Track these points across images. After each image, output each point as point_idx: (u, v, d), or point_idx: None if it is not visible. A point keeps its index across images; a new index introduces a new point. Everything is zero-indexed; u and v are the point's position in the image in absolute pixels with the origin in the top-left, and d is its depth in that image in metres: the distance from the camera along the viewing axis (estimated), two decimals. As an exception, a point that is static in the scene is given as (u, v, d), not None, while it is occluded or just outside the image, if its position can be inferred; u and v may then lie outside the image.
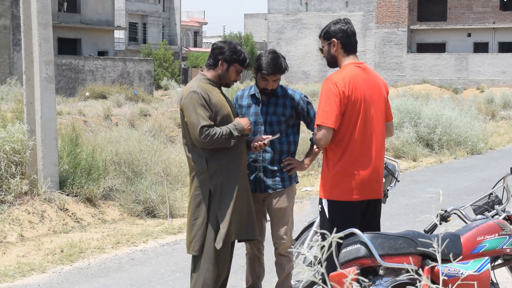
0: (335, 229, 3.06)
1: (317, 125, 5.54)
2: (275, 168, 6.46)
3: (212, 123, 5.90)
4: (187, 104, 5.94)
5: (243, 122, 6.08)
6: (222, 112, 6.02)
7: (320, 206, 5.74)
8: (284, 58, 6.51)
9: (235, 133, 5.95)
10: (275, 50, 6.55)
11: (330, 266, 5.10)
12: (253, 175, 6.45)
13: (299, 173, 14.83)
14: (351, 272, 4.81)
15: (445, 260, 4.91)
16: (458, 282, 4.61)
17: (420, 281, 4.58)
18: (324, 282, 4.55)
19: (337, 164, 5.60)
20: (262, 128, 6.42)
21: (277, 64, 6.34)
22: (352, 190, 5.57)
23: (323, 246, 2.64)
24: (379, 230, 5.85)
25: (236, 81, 6.31)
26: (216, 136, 5.84)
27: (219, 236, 5.98)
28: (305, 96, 6.64)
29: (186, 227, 6.22)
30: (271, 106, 6.49)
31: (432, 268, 4.86)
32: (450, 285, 3.18)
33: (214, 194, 5.99)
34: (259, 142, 6.15)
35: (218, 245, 5.97)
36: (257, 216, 6.46)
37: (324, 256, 2.59)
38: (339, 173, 5.59)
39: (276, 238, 6.59)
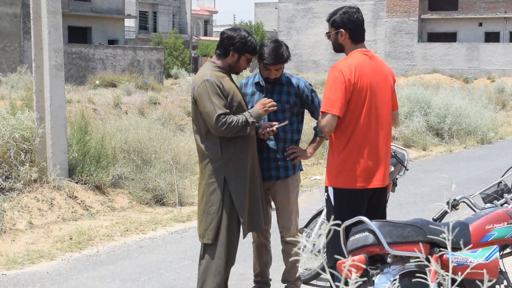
0: (332, 217, 3.04)
1: (322, 112, 5.52)
2: (279, 156, 6.44)
3: (228, 111, 5.87)
4: (201, 93, 5.90)
5: (258, 107, 6.05)
6: (236, 99, 6.00)
7: (326, 194, 5.73)
8: (287, 47, 6.46)
9: (251, 119, 5.92)
10: (278, 39, 6.50)
11: (338, 253, 5.09)
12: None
13: (307, 162, 14.88)
14: (349, 260, 4.79)
15: (454, 248, 4.90)
16: (468, 270, 4.59)
17: (429, 269, 4.57)
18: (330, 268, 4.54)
19: (342, 151, 5.58)
20: (266, 116, 6.37)
21: (279, 54, 6.29)
22: (358, 177, 5.55)
23: (325, 233, 2.63)
24: (385, 218, 5.84)
25: (245, 68, 6.29)
26: (233, 124, 5.81)
27: (242, 226, 6.03)
28: (310, 84, 6.61)
29: (198, 216, 6.19)
30: (275, 94, 6.45)
31: (440, 256, 4.85)
32: (459, 273, 3.17)
33: (229, 181, 5.98)
34: (268, 129, 6.13)
35: (244, 235, 6.04)
36: (262, 204, 6.45)
37: (323, 242, 2.58)
38: (344, 161, 5.57)
39: (282, 226, 6.59)
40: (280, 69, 6.38)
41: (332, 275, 5.19)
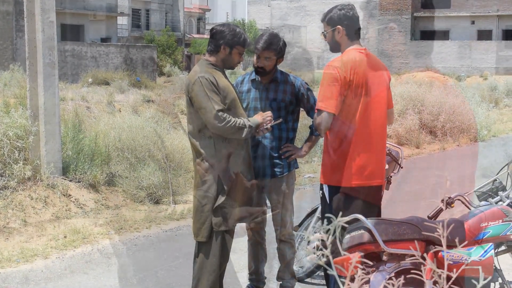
0: (340, 214, 3.04)
1: (318, 109, 5.51)
2: (274, 154, 6.43)
3: (225, 106, 5.86)
4: (197, 90, 5.87)
5: (257, 117, 6.04)
6: (230, 96, 5.98)
7: (321, 192, 5.73)
8: (285, 43, 6.46)
9: (249, 123, 5.90)
10: (278, 34, 6.51)
11: (333, 251, 5.10)
12: (252, 162, 6.42)
13: (301, 160, 14.87)
14: (355, 256, 4.80)
15: (449, 246, 4.90)
16: (463, 267, 4.61)
17: (424, 267, 4.57)
18: (329, 265, 4.54)
19: (338, 149, 5.57)
20: None
21: (271, 41, 6.29)
22: (353, 175, 5.54)
23: (328, 229, 2.63)
24: (380, 216, 5.84)
25: (239, 62, 6.27)
26: (231, 122, 5.78)
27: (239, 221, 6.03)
28: (306, 83, 6.60)
29: (193, 213, 6.17)
30: (271, 92, 6.44)
31: (436, 253, 4.85)
32: (454, 271, 3.18)
33: (223, 179, 5.96)
34: (262, 127, 6.12)
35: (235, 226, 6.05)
36: (257, 202, 6.45)
37: (330, 239, 2.58)
38: (339, 159, 5.56)
39: (277, 224, 6.58)
40: (269, 59, 6.35)
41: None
